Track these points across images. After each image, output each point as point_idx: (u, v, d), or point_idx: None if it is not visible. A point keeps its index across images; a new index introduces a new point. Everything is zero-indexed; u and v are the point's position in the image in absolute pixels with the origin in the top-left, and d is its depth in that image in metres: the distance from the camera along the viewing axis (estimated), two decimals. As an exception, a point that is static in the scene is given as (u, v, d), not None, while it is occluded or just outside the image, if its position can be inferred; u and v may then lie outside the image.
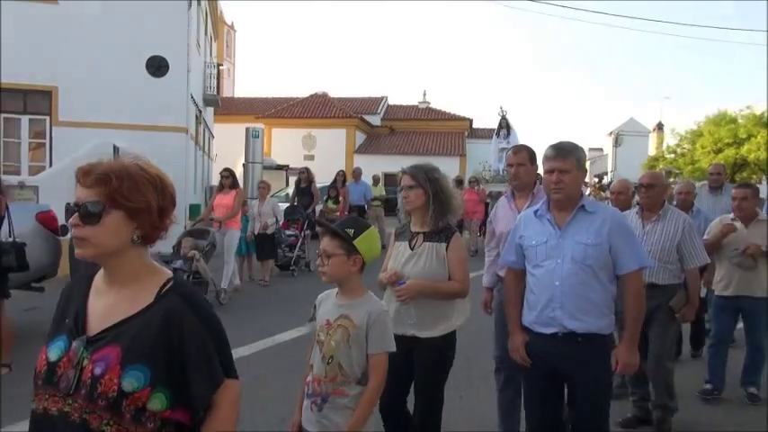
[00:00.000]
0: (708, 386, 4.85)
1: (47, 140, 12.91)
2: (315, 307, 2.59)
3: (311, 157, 29.72)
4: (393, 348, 2.43)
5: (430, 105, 38.12)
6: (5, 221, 5.16)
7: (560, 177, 2.77)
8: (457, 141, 33.52)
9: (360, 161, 26.52)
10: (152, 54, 12.99)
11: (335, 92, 37.96)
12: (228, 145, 24.83)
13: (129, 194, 1.43)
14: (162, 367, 1.41)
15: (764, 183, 26.55)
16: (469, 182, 15.41)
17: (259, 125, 19.80)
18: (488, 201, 14.10)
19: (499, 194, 6.07)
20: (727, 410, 4.69)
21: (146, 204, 1.45)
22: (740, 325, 5.13)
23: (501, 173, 18.25)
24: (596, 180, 34.09)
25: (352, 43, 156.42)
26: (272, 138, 30.58)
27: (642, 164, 34.56)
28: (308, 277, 10.24)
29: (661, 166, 31.26)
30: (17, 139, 12.89)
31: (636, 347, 2.87)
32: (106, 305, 1.49)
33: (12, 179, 11.99)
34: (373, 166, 22.91)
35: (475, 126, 36.90)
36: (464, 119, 36.55)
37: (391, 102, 38.95)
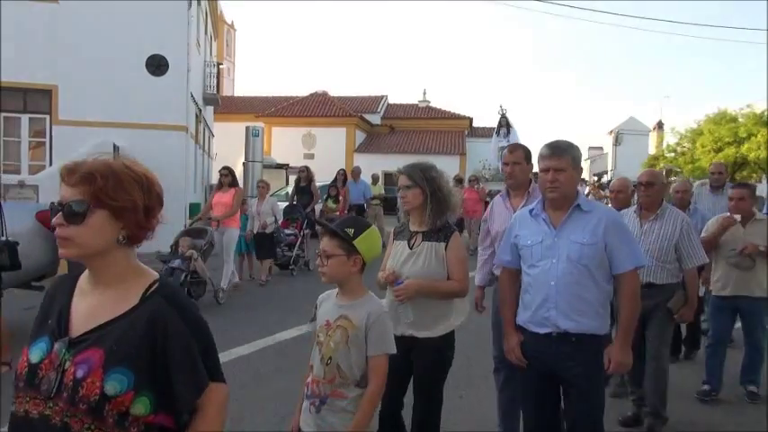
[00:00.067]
0: (705, 387, 4.84)
1: (47, 139, 12.89)
2: (316, 307, 2.56)
3: (311, 156, 29.71)
4: (393, 350, 2.38)
5: (430, 104, 38.10)
6: None
7: (556, 176, 2.76)
8: (457, 140, 33.51)
9: (360, 160, 26.51)
10: (152, 53, 12.97)
11: (335, 91, 38.07)
12: (228, 144, 24.82)
13: (114, 193, 1.40)
14: (146, 371, 1.38)
15: (764, 182, 26.53)
16: (469, 180, 15.41)
17: (259, 124, 19.78)
18: (488, 199, 14.08)
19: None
20: (726, 410, 4.69)
21: (131, 203, 1.43)
22: (737, 325, 5.12)
23: (501, 172, 18.20)
24: (596, 179, 34.10)
25: (352, 42, 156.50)
26: (271, 137, 30.58)
27: (642, 163, 34.51)
28: (307, 276, 10.25)
29: (661, 165, 31.23)
30: (17, 138, 12.87)
31: (629, 347, 2.84)
32: (90, 306, 1.46)
33: (12, 178, 12.02)
34: (373, 165, 22.92)
35: (475, 125, 36.89)
36: (464, 118, 36.54)
37: (391, 100, 38.93)
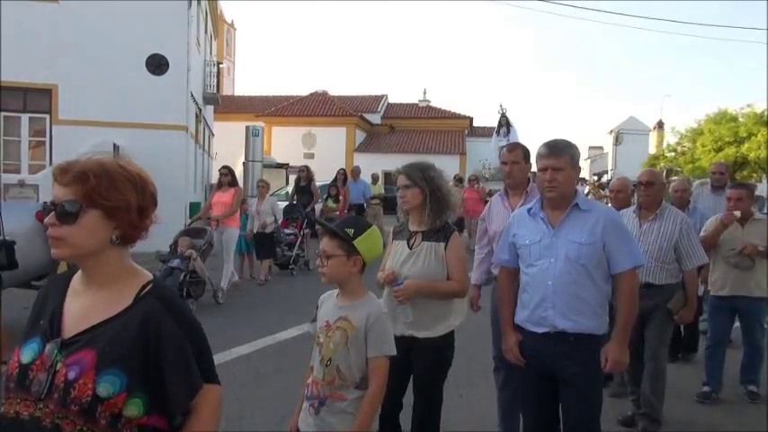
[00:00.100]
0: (706, 388, 4.83)
1: (47, 139, 12.89)
2: (317, 307, 2.54)
3: (311, 156, 29.71)
4: (393, 352, 2.35)
5: (430, 104, 38.10)
6: None
7: (554, 176, 2.75)
8: (457, 140, 33.51)
9: (360, 159, 26.51)
10: (152, 52, 12.96)
11: (335, 90, 38.06)
12: (228, 143, 24.80)
13: (107, 193, 1.39)
14: (138, 372, 1.37)
15: (765, 181, 26.55)
16: (469, 180, 15.41)
17: (259, 123, 19.79)
18: (488, 199, 14.05)
19: (499, 192, 6.07)
20: (726, 410, 4.69)
21: (124, 203, 1.41)
22: (736, 325, 5.11)
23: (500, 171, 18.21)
24: (596, 178, 34.10)
25: (352, 42, 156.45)
26: (272, 136, 30.57)
27: (642, 162, 34.49)
28: (307, 276, 10.25)
29: (662, 165, 31.23)
30: (17, 137, 12.87)
31: (626, 345, 2.83)
32: (83, 307, 1.45)
33: (12, 178, 12.02)
34: (373, 165, 22.92)
35: (475, 124, 36.89)
36: (464, 117, 36.55)
37: (391, 100, 38.93)
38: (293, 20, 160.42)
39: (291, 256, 10.51)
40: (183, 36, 13.45)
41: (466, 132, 34.87)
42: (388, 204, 16.65)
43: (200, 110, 17.91)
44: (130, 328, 1.39)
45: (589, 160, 50.68)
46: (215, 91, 19.57)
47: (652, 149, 43.04)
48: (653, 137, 45.17)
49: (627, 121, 47.96)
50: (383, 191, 16.08)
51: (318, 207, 12.55)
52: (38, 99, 12.82)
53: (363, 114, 34.04)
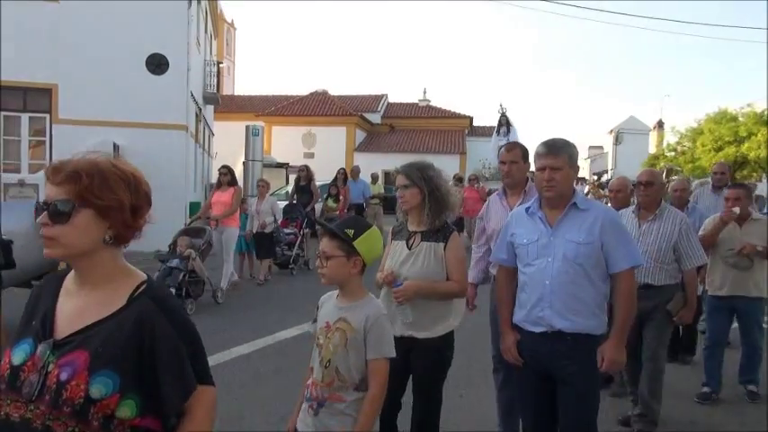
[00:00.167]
0: (705, 389, 4.83)
1: (47, 138, 12.88)
2: (318, 308, 2.52)
3: (311, 155, 29.70)
4: (392, 354, 2.33)
5: (430, 103, 38.10)
6: None
7: (552, 175, 2.74)
8: (457, 139, 33.51)
9: (360, 159, 26.50)
10: (152, 52, 12.96)
11: (335, 90, 38.01)
12: (228, 143, 24.78)
13: (100, 192, 1.38)
14: (132, 373, 1.36)
15: (765, 181, 26.54)
16: (469, 180, 15.41)
17: (259, 123, 19.78)
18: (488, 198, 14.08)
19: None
20: (726, 410, 4.68)
21: (117, 203, 1.40)
22: (734, 325, 5.11)
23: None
24: (595, 178, 34.09)
25: (352, 41, 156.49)
26: (272, 136, 30.56)
27: (642, 162, 34.48)
28: (307, 276, 10.25)
29: (662, 164, 31.20)
30: (17, 136, 12.86)
31: (623, 345, 2.82)
32: (76, 307, 1.43)
33: (12, 177, 12.01)
34: (373, 164, 22.91)
35: (475, 124, 36.88)
36: (464, 117, 36.54)
37: (391, 99, 38.92)
38: (293, 20, 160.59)
39: (291, 255, 10.51)
40: (183, 36, 13.44)
41: (466, 132, 34.87)
42: (388, 204, 16.67)
43: (200, 109, 17.90)
44: (124, 330, 1.37)
45: (589, 160, 50.67)
46: (215, 90, 19.57)
47: (652, 149, 43.02)
48: (653, 136, 45.16)
49: (627, 121, 47.94)
50: (383, 190, 16.07)
51: (318, 207, 12.55)
52: (38, 99, 12.81)
53: (363, 114, 34.03)
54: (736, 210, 4.69)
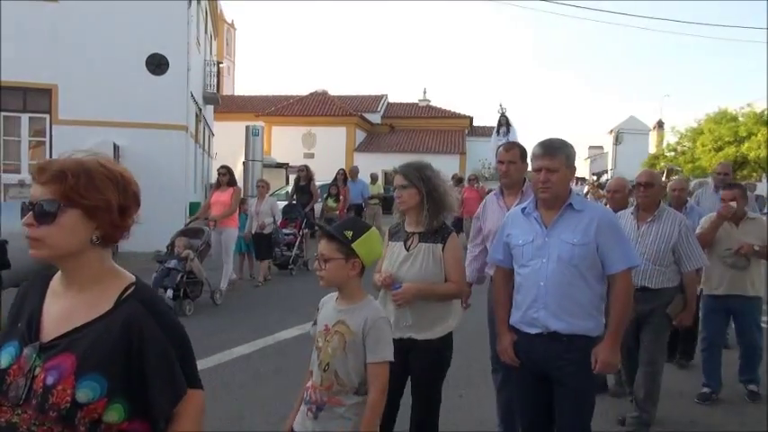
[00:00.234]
0: (705, 390, 4.82)
1: (47, 139, 12.88)
2: (318, 309, 2.51)
3: (311, 156, 29.68)
4: (391, 358, 2.31)
5: (430, 103, 38.07)
6: None
7: (548, 176, 2.72)
8: (457, 139, 33.50)
9: (360, 159, 26.50)
10: (152, 52, 12.96)
11: (335, 90, 38.01)
12: (228, 143, 24.78)
13: (87, 192, 1.35)
14: (120, 377, 1.33)
15: (764, 181, 26.52)
16: (469, 180, 15.40)
17: (259, 123, 19.79)
18: (488, 199, 14.07)
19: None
20: (726, 410, 4.68)
21: (105, 203, 1.37)
22: (733, 326, 5.10)
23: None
24: (595, 178, 34.09)
25: (352, 41, 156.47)
26: (271, 136, 30.54)
27: (642, 162, 34.47)
28: (306, 276, 10.24)
29: (662, 164, 31.19)
30: (17, 137, 12.86)
31: (618, 347, 2.80)
32: (62, 309, 1.40)
33: (12, 177, 12.02)
34: (373, 165, 22.89)
35: (475, 124, 36.85)
36: (464, 117, 36.52)
37: (391, 100, 38.89)
38: (293, 20, 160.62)
39: (290, 256, 10.50)
40: (182, 36, 13.44)
41: (466, 132, 34.84)
42: (388, 204, 16.67)
43: (200, 110, 17.90)
44: (111, 333, 1.35)
45: (589, 160, 50.64)
46: (215, 91, 19.57)
47: (652, 149, 42.99)
48: (653, 136, 45.13)
49: (627, 121, 47.91)
50: (382, 191, 16.07)
51: (318, 207, 12.54)
52: (38, 99, 12.81)
53: (363, 114, 34.01)
54: (734, 204, 4.67)
